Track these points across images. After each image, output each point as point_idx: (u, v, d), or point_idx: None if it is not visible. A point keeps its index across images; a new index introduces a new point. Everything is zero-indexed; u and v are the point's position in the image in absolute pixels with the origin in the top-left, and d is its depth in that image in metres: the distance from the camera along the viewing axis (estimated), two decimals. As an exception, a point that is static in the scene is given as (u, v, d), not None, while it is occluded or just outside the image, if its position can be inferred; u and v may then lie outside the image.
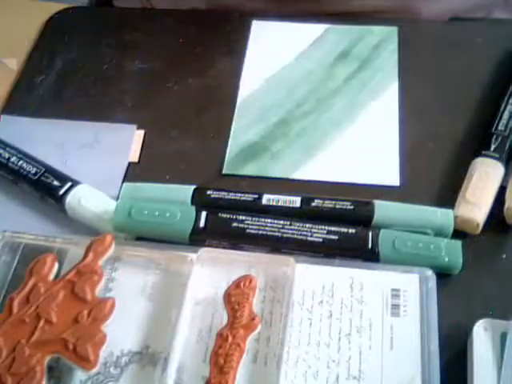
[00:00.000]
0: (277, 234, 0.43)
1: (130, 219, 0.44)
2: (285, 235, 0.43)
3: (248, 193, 0.46)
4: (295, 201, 0.45)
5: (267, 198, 0.45)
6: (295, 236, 0.43)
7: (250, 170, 0.49)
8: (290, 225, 0.43)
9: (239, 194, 0.46)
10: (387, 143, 0.50)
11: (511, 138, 0.48)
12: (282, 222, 0.43)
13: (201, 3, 0.62)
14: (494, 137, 0.48)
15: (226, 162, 0.50)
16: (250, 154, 0.50)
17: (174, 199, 0.46)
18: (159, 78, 0.56)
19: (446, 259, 0.42)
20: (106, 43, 0.59)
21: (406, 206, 0.45)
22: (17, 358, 0.36)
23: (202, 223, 0.44)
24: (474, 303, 0.41)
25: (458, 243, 0.42)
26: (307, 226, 0.43)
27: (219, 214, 0.44)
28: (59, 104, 0.55)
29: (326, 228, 0.43)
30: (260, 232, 0.43)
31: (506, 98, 0.50)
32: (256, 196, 0.45)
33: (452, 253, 0.42)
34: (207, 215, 0.44)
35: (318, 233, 0.43)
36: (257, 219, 0.44)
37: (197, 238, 0.43)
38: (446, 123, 0.51)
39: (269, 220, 0.44)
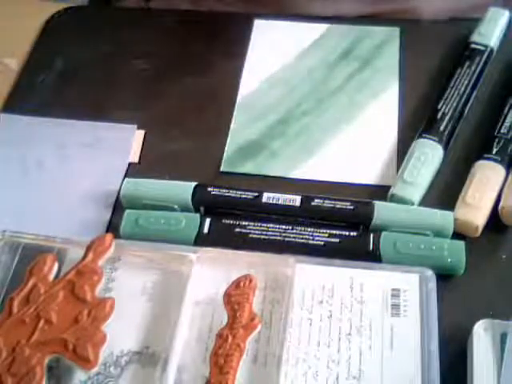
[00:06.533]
0: (279, 237, 0.43)
1: (138, 228, 0.44)
2: (286, 239, 0.43)
3: (248, 191, 0.46)
4: (295, 199, 0.45)
5: (267, 197, 0.45)
6: (297, 240, 0.43)
7: (249, 168, 0.49)
8: (292, 229, 0.44)
9: (239, 192, 0.46)
10: (387, 143, 0.50)
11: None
12: (284, 226, 0.44)
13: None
14: (497, 140, 0.47)
15: (224, 159, 0.50)
16: (249, 152, 0.50)
17: (175, 195, 0.46)
18: (159, 78, 0.56)
19: (449, 260, 0.42)
20: (105, 43, 0.59)
21: (406, 207, 0.45)
22: (17, 358, 0.36)
23: (205, 229, 0.44)
24: (473, 303, 0.41)
25: (461, 244, 0.42)
26: (309, 229, 0.43)
27: (222, 221, 0.44)
28: (59, 104, 0.55)
29: (328, 231, 0.43)
30: (262, 237, 0.43)
31: (509, 100, 0.49)
32: (256, 194, 0.46)
33: (455, 254, 0.42)
34: (211, 222, 0.44)
35: (319, 236, 0.43)
36: (259, 224, 0.44)
37: (201, 244, 0.43)
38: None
39: (271, 224, 0.44)
